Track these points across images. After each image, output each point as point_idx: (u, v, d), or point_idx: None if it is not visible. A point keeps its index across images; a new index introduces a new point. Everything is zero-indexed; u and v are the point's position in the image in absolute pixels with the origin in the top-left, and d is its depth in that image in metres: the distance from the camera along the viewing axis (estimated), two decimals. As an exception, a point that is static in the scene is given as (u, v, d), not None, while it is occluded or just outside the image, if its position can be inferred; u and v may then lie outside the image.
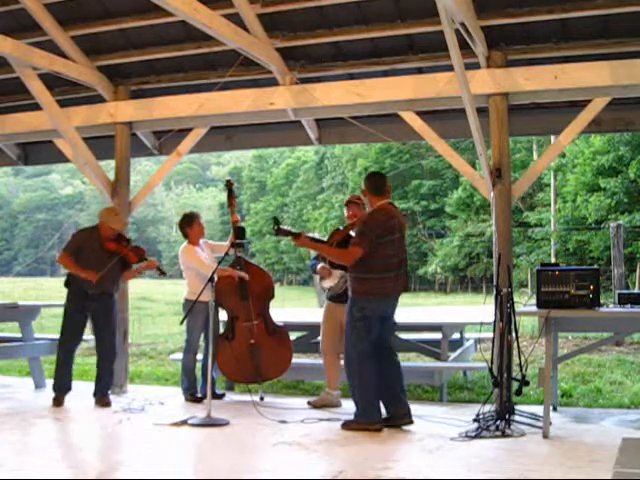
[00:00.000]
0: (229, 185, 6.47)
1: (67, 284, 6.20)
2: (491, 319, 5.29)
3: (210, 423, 5.26)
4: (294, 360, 6.45)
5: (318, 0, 6.00)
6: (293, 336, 6.87)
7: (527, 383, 5.09)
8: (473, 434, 4.85)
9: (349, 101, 6.35)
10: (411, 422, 5.16)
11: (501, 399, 5.14)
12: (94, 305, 6.11)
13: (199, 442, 4.93)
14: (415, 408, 5.30)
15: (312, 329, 6.98)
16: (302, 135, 7.28)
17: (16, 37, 6.04)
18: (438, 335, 7.02)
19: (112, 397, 6.26)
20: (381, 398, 5.20)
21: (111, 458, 4.51)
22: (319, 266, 5.96)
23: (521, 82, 5.77)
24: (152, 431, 5.16)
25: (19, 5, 6.28)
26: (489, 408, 5.20)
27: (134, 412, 5.79)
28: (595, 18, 5.55)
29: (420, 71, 6.35)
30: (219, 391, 6.54)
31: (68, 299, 6.20)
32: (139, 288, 21.17)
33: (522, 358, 5.10)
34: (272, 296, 6.42)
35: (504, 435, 4.86)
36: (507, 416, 5.03)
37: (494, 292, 5.27)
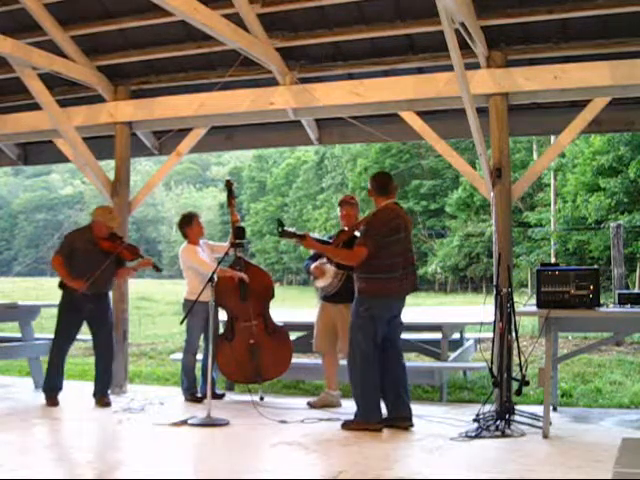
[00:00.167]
0: (229, 185, 6.47)
1: (61, 285, 6.15)
2: (491, 319, 5.29)
3: (210, 423, 5.26)
4: (294, 360, 6.45)
5: (318, 0, 6.00)
6: (293, 336, 6.87)
7: (527, 383, 5.09)
8: (473, 434, 4.85)
9: (349, 101, 6.35)
10: (411, 426, 5.15)
11: (501, 399, 5.14)
12: (90, 306, 6.08)
13: (199, 442, 4.93)
14: (415, 408, 5.29)
15: (312, 329, 6.96)
16: (302, 135, 7.28)
17: (16, 37, 6.04)
18: (438, 335, 7.02)
19: (112, 397, 6.26)
20: (384, 398, 5.20)
21: (111, 458, 4.50)
22: (312, 266, 5.97)
23: (521, 82, 5.77)
24: (152, 431, 5.16)
25: (19, 5, 6.29)
26: (489, 408, 5.20)
27: (134, 412, 5.79)
28: (595, 18, 5.55)
29: (420, 71, 6.35)
30: (219, 391, 6.54)
31: (63, 300, 6.16)
32: (139, 288, 21.19)
33: (522, 358, 5.10)
34: (272, 296, 6.41)
35: (504, 435, 4.87)
36: (507, 416, 5.03)
37: (494, 292, 5.27)
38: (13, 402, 6.37)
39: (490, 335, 5.37)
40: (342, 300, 5.82)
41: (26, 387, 7.17)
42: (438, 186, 37.01)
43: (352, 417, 5.16)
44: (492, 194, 5.83)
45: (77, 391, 6.58)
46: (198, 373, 6.46)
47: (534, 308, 5.09)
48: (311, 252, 6.14)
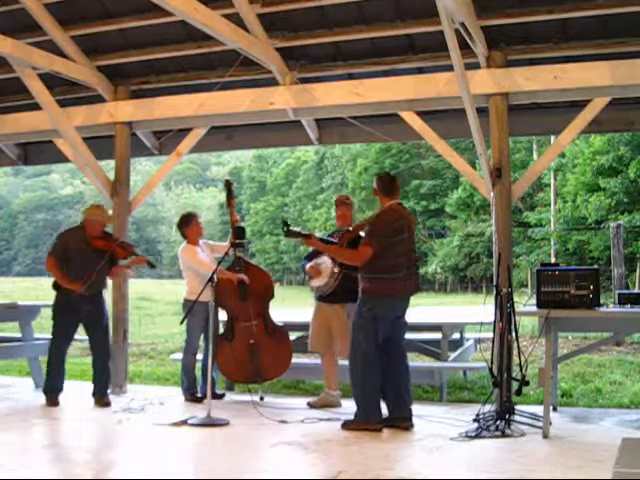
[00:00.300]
0: (228, 185, 6.46)
1: (56, 286, 6.11)
2: (491, 319, 5.29)
3: (210, 423, 5.26)
4: (294, 360, 6.45)
5: (318, 0, 6.00)
6: (293, 336, 6.87)
7: (527, 383, 5.09)
8: (473, 434, 4.85)
9: (349, 101, 6.35)
10: (411, 426, 5.15)
11: (501, 399, 5.14)
12: (87, 306, 6.06)
13: (199, 442, 4.93)
14: (415, 408, 5.29)
15: (311, 329, 6.97)
16: (302, 135, 7.28)
17: (16, 37, 6.04)
18: (438, 335, 7.02)
19: (112, 397, 6.26)
20: (385, 398, 5.21)
21: (111, 458, 4.51)
22: (307, 266, 5.98)
23: (521, 82, 5.77)
24: (152, 431, 5.16)
25: (19, 5, 6.29)
26: (489, 408, 5.20)
27: (134, 412, 5.79)
28: (595, 18, 5.55)
29: (420, 71, 6.35)
30: (219, 391, 6.54)
31: (57, 301, 6.13)
32: (139, 288, 21.18)
33: (522, 358, 5.10)
34: (272, 296, 6.41)
35: (504, 435, 4.87)
36: (507, 416, 5.03)
37: (494, 292, 5.27)
38: (13, 402, 6.37)
39: (490, 335, 5.37)
40: (338, 300, 5.83)
41: (26, 387, 7.17)
42: (438, 186, 37.00)
43: (352, 417, 5.17)
44: (492, 194, 5.83)
45: (77, 391, 6.58)
46: (198, 373, 6.46)
47: (534, 308, 5.09)
48: (310, 249, 6.14)
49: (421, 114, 6.21)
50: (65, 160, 7.60)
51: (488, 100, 5.88)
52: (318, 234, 5.75)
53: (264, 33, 6.26)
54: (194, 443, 4.91)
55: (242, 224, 6.56)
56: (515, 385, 5.11)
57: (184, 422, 5.33)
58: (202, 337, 6.38)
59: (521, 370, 5.04)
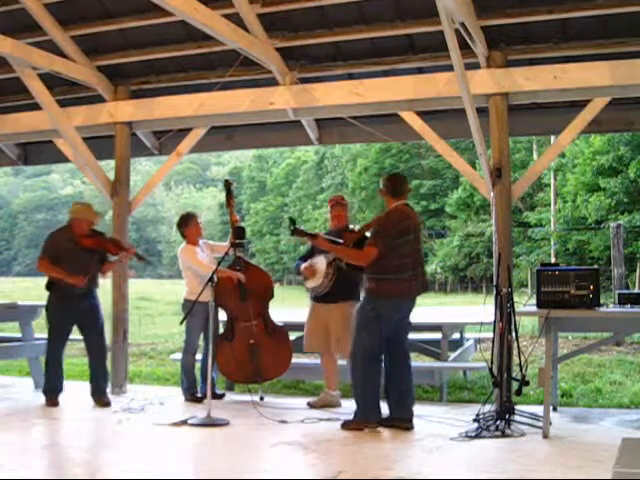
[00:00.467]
0: (228, 185, 6.46)
1: (49, 287, 6.08)
2: (491, 319, 5.29)
3: (210, 423, 5.26)
4: (294, 360, 6.45)
5: (318, 0, 6.00)
6: (293, 336, 6.87)
7: (527, 383, 5.09)
8: (473, 434, 4.85)
9: (349, 101, 6.35)
10: (411, 428, 5.14)
11: (501, 399, 5.14)
12: (83, 306, 6.05)
13: (199, 442, 4.93)
14: (415, 408, 5.29)
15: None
16: (302, 135, 7.28)
17: (16, 37, 6.04)
18: (438, 335, 7.02)
19: (112, 397, 6.26)
20: (387, 398, 5.21)
21: (111, 458, 4.50)
22: (302, 266, 5.98)
23: (521, 82, 5.77)
24: (152, 431, 5.16)
25: (19, 5, 6.29)
26: (489, 408, 5.20)
27: (134, 412, 5.79)
28: (595, 18, 5.55)
29: (420, 71, 6.35)
30: (219, 391, 6.54)
31: (50, 301, 6.10)
32: (139, 288, 21.17)
33: (522, 358, 5.10)
34: (271, 296, 6.41)
35: (504, 435, 4.87)
36: (507, 416, 5.03)
37: (494, 292, 5.27)
38: (13, 402, 6.37)
39: (490, 335, 5.37)
40: (333, 300, 5.84)
41: (26, 387, 7.17)
42: (438, 186, 36.99)
43: (352, 417, 5.17)
44: (492, 194, 5.83)
45: (77, 391, 6.57)
46: (198, 373, 6.45)
47: (534, 308, 5.09)
48: (308, 244, 6.13)
49: (421, 114, 6.21)
50: (65, 160, 7.60)
51: (488, 100, 5.88)
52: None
53: (264, 33, 6.26)
54: (194, 443, 4.91)
55: (242, 224, 6.56)
56: (515, 385, 5.11)
57: (184, 422, 5.33)
58: (202, 337, 6.38)
59: (521, 370, 5.04)
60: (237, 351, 6.15)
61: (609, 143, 21.40)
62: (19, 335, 7.33)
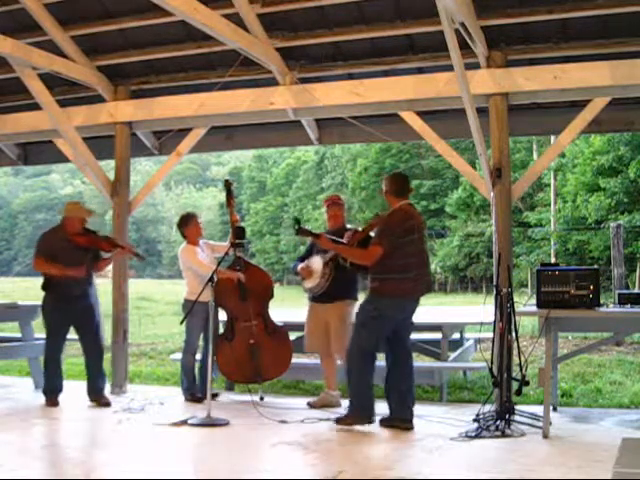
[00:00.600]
0: (228, 185, 6.45)
1: (45, 287, 6.07)
2: (491, 319, 5.29)
3: (210, 423, 5.26)
4: (294, 360, 6.44)
5: (318, 0, 6.00)
6: (293, 336, 6.87)
7: (527, 383, 5.09)
8: (473, 434, 4.85)
9: (349, 101, 6.35)
10: (411, 428, 5.14)
11: (501, 399, 5.14)
12: (78, 306, 6.04)
13: (199, 442, 4.93)
14: (415, 408, 5.28)
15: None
16: (302, 135, 7.28)
17: (16, 37, 6.04)
18: (438, 335, 7.02)
19: (112, 397, 6.26)
20: (387, 398, 5.22)
21: (111, 458, 4.50)
22: (299, 267, 5.98)
23: (521, 82, 5.77)
24: (152, 431, 5.16)
25: (19, 5, 6.29)
26: (489, 408, 5.20)
27: (134, 412, 5.79)
28: (595, 18, 5.55)
29: (420, 71, 6.35)
30: (212, 390, 6.50)
31: (46, 302, 6.09)
32: (139, 288, 21.18)
33: (522, 358, 5.10)
34: (271, 296, 6.41)
35: (504, 435, 4.87)
36: (507, 416, 5.03)
37: (494, 292, 5.27)
38: (13, 402, 6.37)
39: (490, 335, 5.37)
40: (330, 300, 5.85)
41: (26, 387, 7.17)
42: (438, 186, 36.97)
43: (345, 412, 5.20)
44: (492, 194, 5.83)
45: (77, 391, 6.56)
46: (197, 373, 6.45)
47: (534, 308, 5.09)
48: (307, 244, 6.14)
49: (421, 114, 6.21)
50: (65, 160, 7.60)
51: (488, 100, 5.88)
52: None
53: (264, 33, 6.26)
54: (194, 443, 4.91)
55: (242, 224, 6.56)
56: (515, 385, 5.11)
57: (184, 422, 5.33)
58: (202, 337, 6.37)
59: (521, 370, 5.04)
60: (237, 351, 6.14)
61: (609, 143, 21.40)
62: (19, 335, 7.32)
